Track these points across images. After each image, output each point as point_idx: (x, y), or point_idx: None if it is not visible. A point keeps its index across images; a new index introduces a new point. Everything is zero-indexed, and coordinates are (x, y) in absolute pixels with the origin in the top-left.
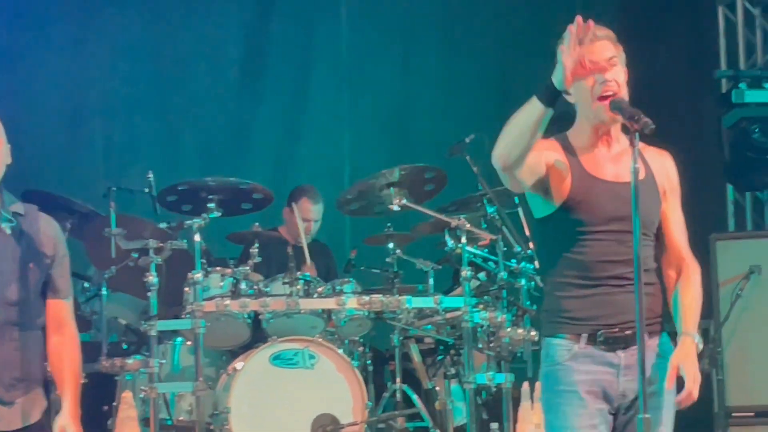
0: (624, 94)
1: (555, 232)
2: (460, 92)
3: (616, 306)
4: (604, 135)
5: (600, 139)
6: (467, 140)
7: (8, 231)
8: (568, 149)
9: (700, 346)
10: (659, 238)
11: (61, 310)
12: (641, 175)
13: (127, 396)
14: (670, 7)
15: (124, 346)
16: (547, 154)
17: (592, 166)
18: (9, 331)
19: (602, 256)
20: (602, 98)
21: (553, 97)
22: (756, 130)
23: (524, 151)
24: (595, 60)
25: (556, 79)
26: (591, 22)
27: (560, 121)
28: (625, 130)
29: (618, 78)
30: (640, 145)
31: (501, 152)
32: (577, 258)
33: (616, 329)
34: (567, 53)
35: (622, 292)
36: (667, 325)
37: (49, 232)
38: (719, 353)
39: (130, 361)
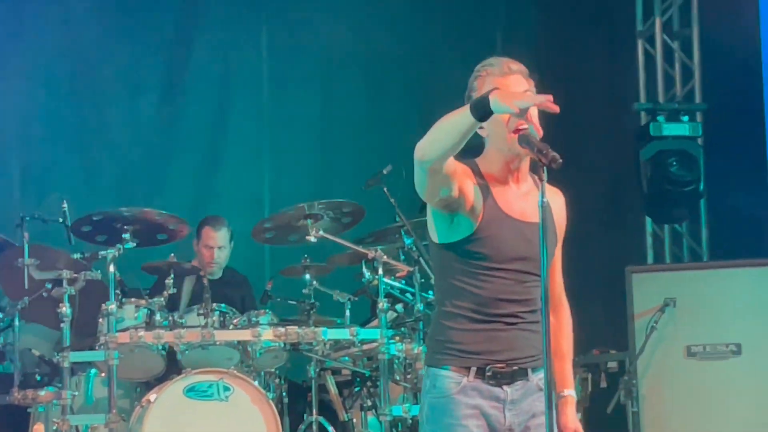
0: (537, 128)
1: (454, 262)
2: (380, 124)
3: (507, 342)
4: (515, 171)
5: (510, 174)
6: (385, 171)
7: None
8: (482, 179)
9: (577, 399)
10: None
11: None
12: (545, 215)
13: (39, 428)
14: (590, 41)
15: (38, 378)
16: (463, 178)
17: (503, 201)
18: None
19: (500, 293)
20: (517, 131)
21: (487, 115)
22: (673, 163)
23: (443, 153)
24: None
25: (497, 103)
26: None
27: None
28: (533, 165)
29: (533, 112)
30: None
31: (422, 145)
32: (474, 292)
33: (504, 365)
34: (531, 98)
35: (513, 329)
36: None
37: None
38: (634, 385)
39: (42, 392)
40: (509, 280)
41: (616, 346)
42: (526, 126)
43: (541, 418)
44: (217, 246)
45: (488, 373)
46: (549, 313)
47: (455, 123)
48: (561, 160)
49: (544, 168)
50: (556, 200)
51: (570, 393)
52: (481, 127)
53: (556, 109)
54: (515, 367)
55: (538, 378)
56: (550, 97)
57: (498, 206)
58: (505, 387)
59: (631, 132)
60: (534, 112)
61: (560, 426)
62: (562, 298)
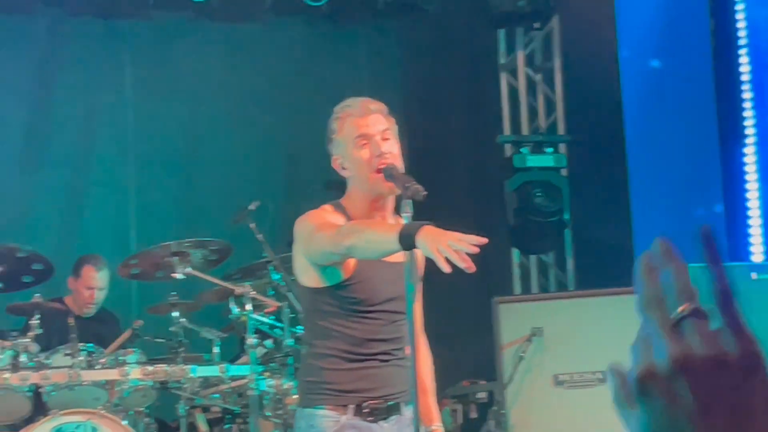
0: (400, 165)
1: (327, 305)
2: (247, 160)
3: (381, 380)
4: (379, 209)
5: (376, 212)
6: (252, 207)
7: None
8: (347, 220)
9: (448, 430)
10: None
11: None
12: (408, 255)
13: None
14: (453, 74)
15: None
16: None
17: None
18: None
19: (372, 334)
20: (379, 171)
21: (411, 247)
22: (538, 194)
23: (360, 257)
24: (370, 133)
25: (423, 245)
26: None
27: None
28: (398, 202)
29: (393, 150)
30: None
31: (347, 243)
32: (347, 333)
33: (380, 401)
34: (456, 241)
35: (386, 366)
36: None
37: None
38: (504, 415)
39: None
40: (381, 320)
41: (485, 377)
42: (387, 163)
43: None
44: (98, 287)
45: (365, 410)
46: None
47: (381, 244)
48: (425, 193)
49: (409, 201)
50: None
51: (437, 426)
52: (344, 168)
53: (476, 250)
54: (390, 403)
55: (409, 411)
56: (477, 239)
57: None
58: (381, 422)
59: (495, 164)
60: (394, 150)
61: None
62: (421, 333)
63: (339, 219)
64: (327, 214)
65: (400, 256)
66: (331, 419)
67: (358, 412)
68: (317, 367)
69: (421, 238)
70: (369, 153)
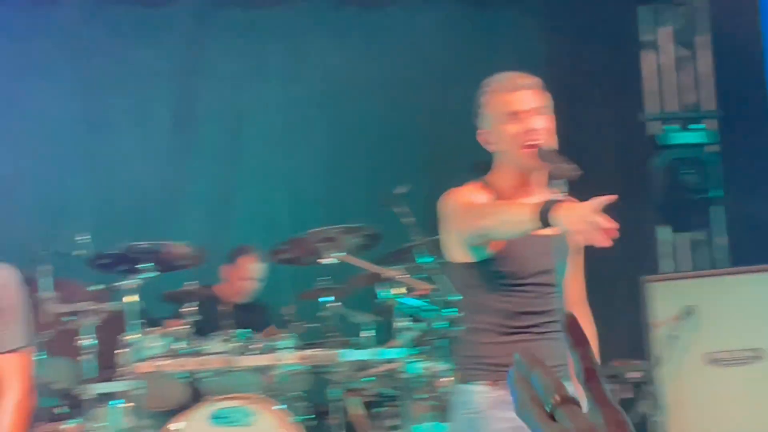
0: (552, 142)
1: (479, 280)
2: (392, 144)
3: (536, 353)
4: (526, 184)
5: (522, 188)
6: (399, 191)
7: None
8: (496, 197)
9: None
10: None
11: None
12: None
13: None
14: (596, 51)
15: (63, 410)
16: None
17: None
18: None
19: (525, 307)
20: (527, 146)
21: (548, 225)
22: (686, 171)
23: (498, 238)
24: (519, 109)
25: (560, 222)
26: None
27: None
28: (551, 177)
29: (543, 126)
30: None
31: (481, 227)
32: (500, 307)
33: None
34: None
35: (540, 339)
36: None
37: None
38: (658, 394)
39: (66, 425)
40: (532, 293)
41: (635, 356)
42: (536, 139)
43: None
44: (254, 278)
45: None
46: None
47: (517, 224)
48: (579, 172)
49: (563, 180)
50: None
51: None
52: (490, 143)
53: (612, 227)
54: None
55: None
56: (608, 199)
57: None
58: None
59: (639, 142)
60: (548, 122)
61: None
62: (582, 305)
63: (482, 196)
64: (469, 192)
65: (551, 229)
66: (485, 395)
67: None
68: (472, 342)
69: (556, 215)
70: (517, 128)
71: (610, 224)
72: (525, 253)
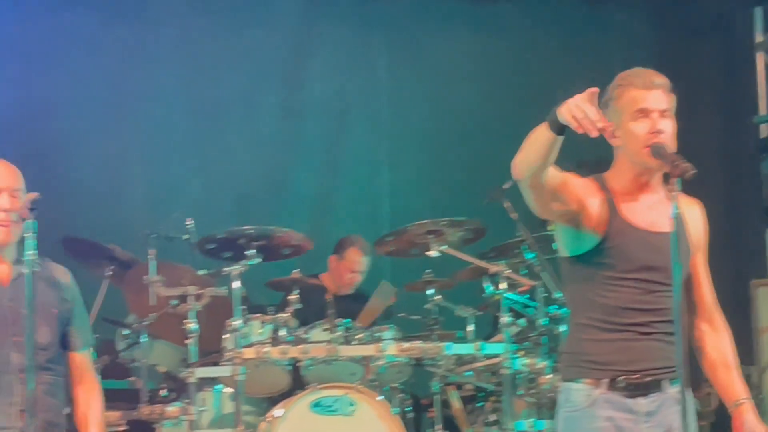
0: (672, 145)
1: (583, 273)
2: (498, 139)
3: (639, 353)
4: (644, 182)
5: (639, 185)
6: (505, 186)
7: (30, 276)
8: (606, 192)
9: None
10: (687, 291)
11: (83, 361)
12: (676, 226)
13: None
14: (708, 53)
15: (164, 394)
16: (581, 191)
17: (629, 212)
18: (41, 375)
19: (629, 303)
20: (650, 145)
21: (562, 128)
22: None
23: (534, 168)
24: (650, 108)
25: (562, 115)
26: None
27: (597, 165)
28: (666, 177)
29: (668, 129)
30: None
31: (515, 163)
32: (603, 302)
33: (638, 375)
34: (584, 103)
35: (645, 339)
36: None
37: (68, 281)
38: (762, 400)
39: (170, 408)
40: (637, 289)
41: (742, 362)
42: (659, 140)
43: None
44: (361, 270)
45: (620, 385)
46: (691, 324)
47: (537, 139)
48: (694, 171)
49: (678, 179)
50: (694, 210)
51: (745, 399)
52: (615, 137)
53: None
54: (649, 378)
55: (675, 390)
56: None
57: (623, 217)
58: (639, 399)
59: (750, 144)
60: (670, 129)
61: None
62: (715, 309)
63: (588, 187)
64: (571, 175)
65: (663, 225)
66: (585, 393)
67: (613, 386)
68: (576, 338)
69: (559, 110)
70: (645, 128)
71: (598, 117)
72: (630, 247)
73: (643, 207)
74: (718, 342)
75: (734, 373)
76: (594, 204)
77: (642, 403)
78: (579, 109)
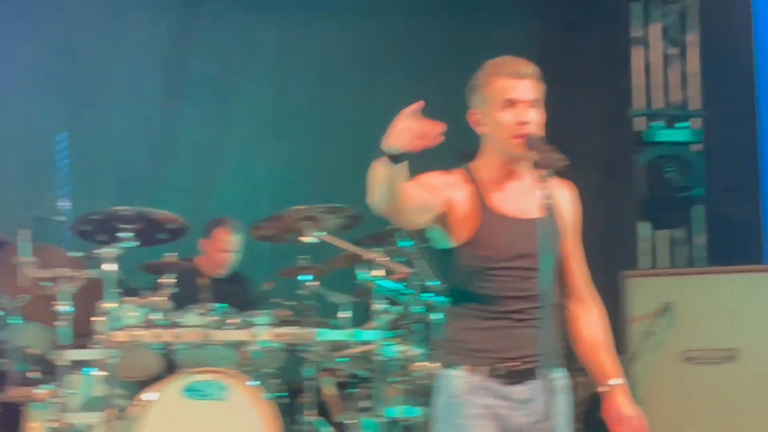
0: (539, 131)
1: (458, 264)
2: (379, 126)
3: (516, 340)
4: (511, 170)
5: (507, 174)
6: None
7: None
8: (472, 184)
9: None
10: (560, 274)
11: None
12: (545, 211)
13: (34, 427)
14: (587, 46)
15: (36, 376)
16: (446, 190)
17: (497, 201)
18: None
19: (504, 291)
20: (518, 136)
21: (398, 157)
22: (669, 169)
23: (392, 200)
24: (518, 98)
25: (391, 146)
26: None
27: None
28: (537, 165)
29: (536, 119)
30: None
31: (371, 203)
32: (480, 292)
33: (516, 362)
34: (407, 124)
35: (522, 326)
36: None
37: None
38: (631, 390)
39: (39, 390)
40: (512, 277)
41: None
42: (529, 131)
43: (555, 419)
44: (231, 250)
45: (499, 372)
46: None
47: (379, 175)
48: (566, 163)
49: (548, 170)
50: (565, 193)
51: (617, 381)
52: (480, 124)
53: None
54: (528, 366)
55: (555, 377)
56: (418, 104)
57: (491, 208)
58: (516, 386)
59: (625, 138)
60: (539, 120)
61: (615, 416)
62: (589, 291)
63: (454, 183)
64: (431, 176)
65: (532, 211)
66: (463, 380)
67: (492, 373)
68: (455, 326)
69: (386, 142)
70: (512, 116)
71: (431, 125)
72: (501, 236)
73: (512, 195)
74: (590, 323)
75: (606, 354)
76: (461, 199)
77: (519, 390)
78: (404, 133)
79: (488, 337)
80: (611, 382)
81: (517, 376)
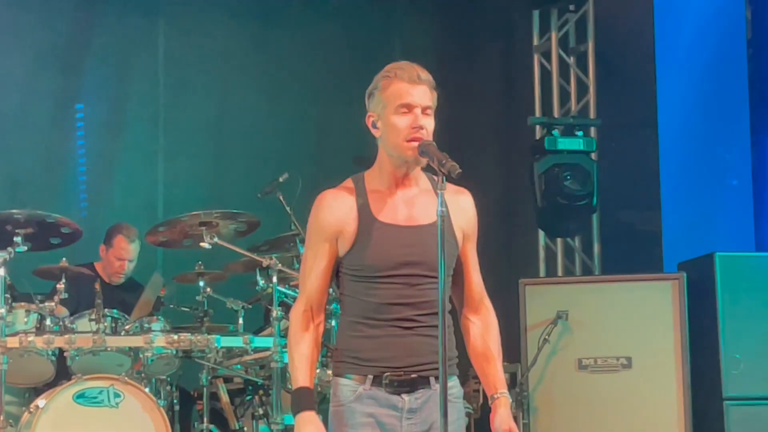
0: (429, 138)
1: (347, 274)
2: (276, 131)
3: (404, 348)
4: (402, 176)
5: (397, 180)
6: (281, 179)
7: None
8: (360, 194)
9: (511, 402)
10: (455, 280)
11: None
12: (435, 219)
13: None
14: (487, 53)
15: None
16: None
17: (383, 210)
18: None
19: (392, 298)
20: (411, 140)
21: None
22: (567, 177)
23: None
24: (414, 103)
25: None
26: None
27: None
28: (433, 172)
29: (429, 127)
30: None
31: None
32: (368, 300)
33: (402, 372)
34: None
35: (410, 334)
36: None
37: None
38: (526, 397)
39: None
40: (399, 284)
41: (508, 358)
42: (422, 137)
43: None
44: (129, 258)
45: (385, 381)
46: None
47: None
48: (460, 170)
49: (443, 177)
50: (461, 199)
51: (503, 393)
52: (376, 127)
53: None
54: (414, 375)
55: (447, 385)
56: None
57: (374, 217)
58: (403, 395)
59: (526, 145)
60: (431, 127)
61: (494, 428)
62: (483, 299)
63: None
64: (319, 220)
65: (422, 218)
66: (350, 389)
67: (377, 382)
68: (345, 335)
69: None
70: (407, 122)
71: None
72: (385, 245)
73: (400, 202)
74: (482, 332)
75: (494, 365)
76: (348, 217)
77: (406, 399)
78: None
79: (375, 345)
80: (495, 394)
81: (403, 386)
